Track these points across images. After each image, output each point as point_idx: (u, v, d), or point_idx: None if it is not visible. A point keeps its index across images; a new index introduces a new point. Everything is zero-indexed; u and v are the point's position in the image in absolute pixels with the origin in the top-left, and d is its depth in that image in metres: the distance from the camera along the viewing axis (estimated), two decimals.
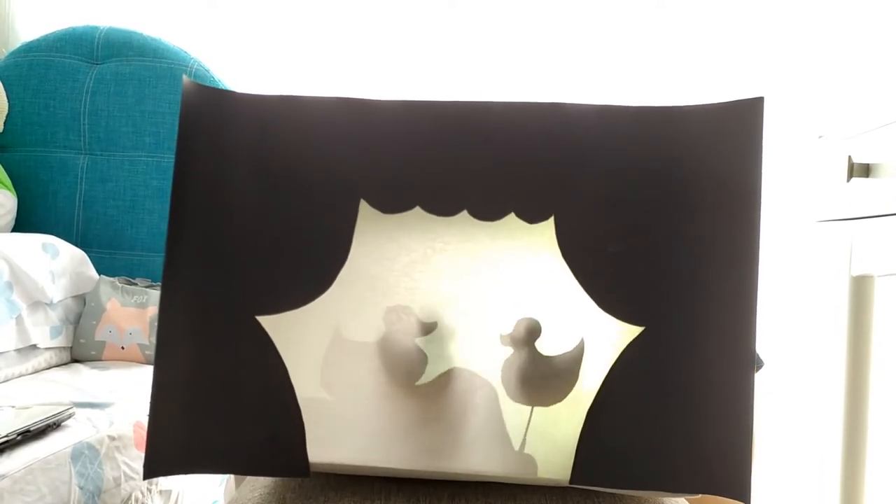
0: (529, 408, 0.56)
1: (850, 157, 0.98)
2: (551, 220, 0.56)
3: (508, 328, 0.57)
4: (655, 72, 1.62)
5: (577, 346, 0.56)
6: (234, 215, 0.57)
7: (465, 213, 0.56)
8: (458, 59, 1.69)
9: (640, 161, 0.56)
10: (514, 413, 0.57)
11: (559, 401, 0.56)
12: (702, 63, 1.57)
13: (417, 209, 0.56)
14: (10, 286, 1.17)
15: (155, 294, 1.40)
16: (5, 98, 1.54)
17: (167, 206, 1.70)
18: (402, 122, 0.57)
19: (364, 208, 0.57)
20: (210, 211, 0.57)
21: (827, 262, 1.05)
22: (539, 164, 0.56)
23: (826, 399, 1.01)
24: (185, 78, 0.59)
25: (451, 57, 1.69)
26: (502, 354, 0.57)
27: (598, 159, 0.56)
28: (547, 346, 0.56)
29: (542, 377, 0.56)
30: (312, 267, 0.57)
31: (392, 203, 0.56)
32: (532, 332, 0.56)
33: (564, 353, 0.56)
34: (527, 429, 0.56)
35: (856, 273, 0.96)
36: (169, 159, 1.55)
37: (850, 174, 0.97)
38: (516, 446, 0.56)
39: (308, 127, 0.58)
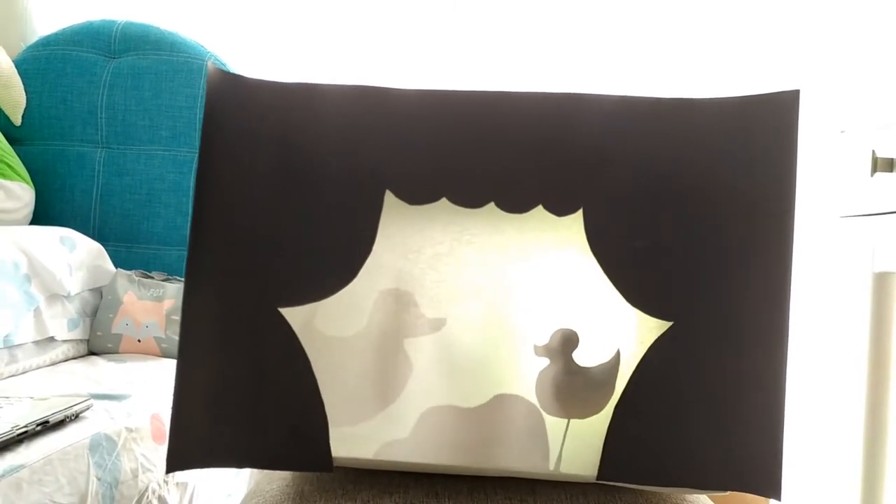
0: (566, 420, 0.56)
1: (873, 151, 0.96)
2: (579, 214, 0.55)
3: (542, 334, 0.55)
4: (674, 66, 1.60)
5: (613, 357, 0.55)
6: (257, 206, 0.57)
7: (492, 205, 0.55)
8: (461, 58, 1.68)
9: (666, 154, 0.55)
10: (553, 426, 0.56)
11: (597, 412, 0.55)
12: (722, 57, 1.56)
13: (444, 201, 0.56)
14: (28, 278, 1.18)
15: (171, 287, 1.40)
16: (23, 92, 1.55)
17: (183, 200, 1.70)
18: (424, 112, 0.57)
19: (389, 199, 0.56)
20: (233, 201, 0.57)
21: (849, 258, 1.03)
22: (565, 157, 0.56)
23: (847, 395, 1.00)
24: (209, 64, 0.58)
25: (453, 56, 1.69)
26: (537, 365, 0.56)
27: (623, 152, 0.55)
28: (583, 357, 0.55)
29: (578, 389, 0.55)
30: (336, 258, 0.56)
31: (418, 194, 0.56)
32: (569, 342, 0.55)
33: (601, 364, 0.56)
34: (563, 444, 0.56)
35: (878, 269, 0.95)
36: (185, 153, 1.55)
37: (874, 169, 0.96)
38: (551, 466, 0.56)
39: (330, 116, 0.57)
